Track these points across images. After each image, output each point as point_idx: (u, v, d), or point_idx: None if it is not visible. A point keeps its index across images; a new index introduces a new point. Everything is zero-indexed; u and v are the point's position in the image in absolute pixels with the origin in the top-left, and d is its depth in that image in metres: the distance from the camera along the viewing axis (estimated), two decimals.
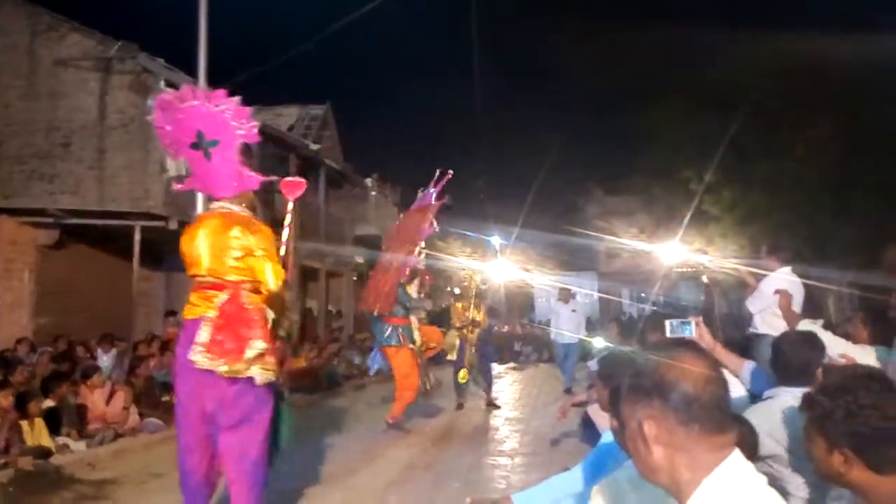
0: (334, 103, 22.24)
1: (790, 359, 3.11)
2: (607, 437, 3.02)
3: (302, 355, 12.64)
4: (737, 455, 1.36)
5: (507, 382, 14.72)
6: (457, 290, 9.62)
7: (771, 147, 15.55)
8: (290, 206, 5.01)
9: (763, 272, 7.30)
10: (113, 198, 13.39)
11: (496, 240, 24.77)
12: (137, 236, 11.89)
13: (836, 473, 1.84)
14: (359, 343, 17.55)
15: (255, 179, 4.31)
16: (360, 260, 21.23)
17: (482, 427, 8.78)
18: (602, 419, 4.76)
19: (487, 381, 10.36)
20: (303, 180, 5.35)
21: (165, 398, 8.42)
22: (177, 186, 4.74)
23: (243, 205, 4.29)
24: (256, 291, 4.01)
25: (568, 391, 11.62)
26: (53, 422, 6.85)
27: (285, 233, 4.75)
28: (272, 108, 19.97)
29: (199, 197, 10.32)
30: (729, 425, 1.37)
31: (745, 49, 15.86)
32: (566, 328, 12.46)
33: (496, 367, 14.56)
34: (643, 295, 28.93)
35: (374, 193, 23.89)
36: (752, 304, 7.14)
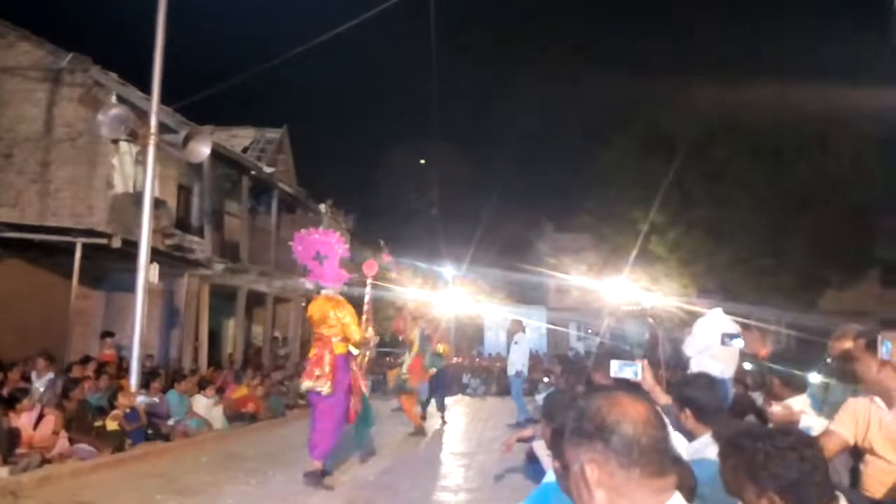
0: (290, 128, 22.13)
1: (702, 401, 3.21)
2: (551, 475, 3.03)
3: (245, 383, 12.32)
4: (676, 498, 1.38)
5: (454, 415, 14.64)
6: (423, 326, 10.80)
7: (713, 193, 16.14)
8: (369, 282, 7.92)
9: (700, 312, 7.51)
10: (54, 212, 12.98)
11: (448, 270, 24.84)
12: (78, 253, 11.50)
13: None
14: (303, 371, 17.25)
15: (345, 277, 7.36)
16: (309, 286, 20.97)
17: (426, 461, 8.69)
18: (547, 456, 4.79)
19: (441, 405, 12.21)
20: (375, 263, 8.35)
21: (99, 423, 8.09)
22: (302, 281, 7.98)
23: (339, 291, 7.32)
24: (345, 340, 7.08)
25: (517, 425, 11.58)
26: None
27: (367, 297, 7.76)
28: (227, 129, 19.75)
29: (145, 216, 10.11)
30: (669, 468, 1.39)
31: (695, 100, 16.53)
32: (519, 360, 12.52)
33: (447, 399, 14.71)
34: (590, 330, 29.34)
35: (327, 219, 23.74)
36: (688, 347, 7.31)
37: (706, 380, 3.43)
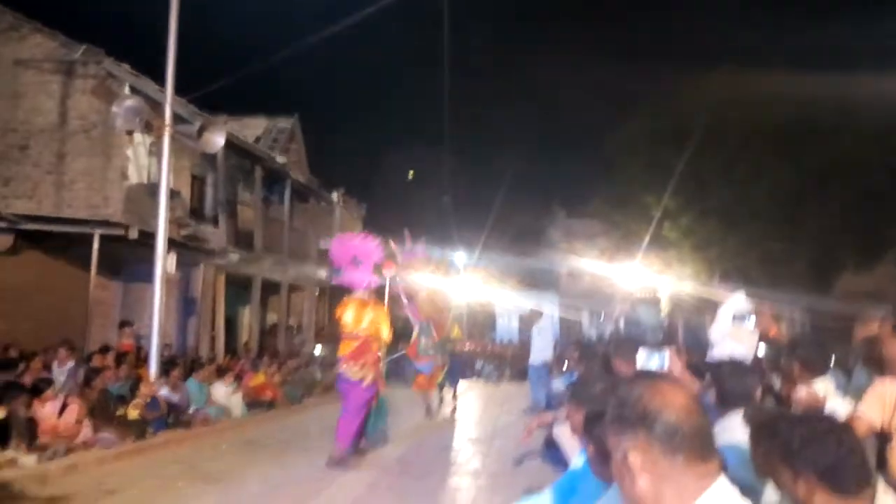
0: (302, 116, 22.13)
1: (731, 386, 3.22)
2: (577, 461, 3.05)
3: (261, 370, 12.43)
4: (722, 481, 1.39)
5: (469, 401, 14.72)
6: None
7: (727, 178, 16.01)
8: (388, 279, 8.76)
9: (715, 296, 7.48)
10: (70, 204, 13.08)
11: (460, 257, 24.86)
12: (96, 244, 11.61)
13: (802, 500, 1.90)
14: (320, 359, 17.36)
15: (376, 281, 8.02)
16: (322, 275, 21.06)
17: (445, 447, 8.75)
18: (569, 441, 4.80)
19: (453, 390, 12.19)
20: (392, 263, 8.98)
21: (120, 412, 8.20)
22: (335, 279, 8.50)
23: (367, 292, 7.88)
24: (377, 339, 7.72)
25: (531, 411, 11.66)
26: (1, 435, 6.62)
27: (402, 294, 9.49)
28: (239, 119, 19.77)
29: (162, 207, 10.18)
30: (712, 453, 1.40)
31: (708, 85, 16.37)
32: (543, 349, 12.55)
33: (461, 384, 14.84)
34: (603, 316, 29.33)
35: (339, 208, 23.79)
36: (713, 332, 7.30)
37: (736, 364, 3.43)
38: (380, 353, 7.78)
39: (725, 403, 3.21)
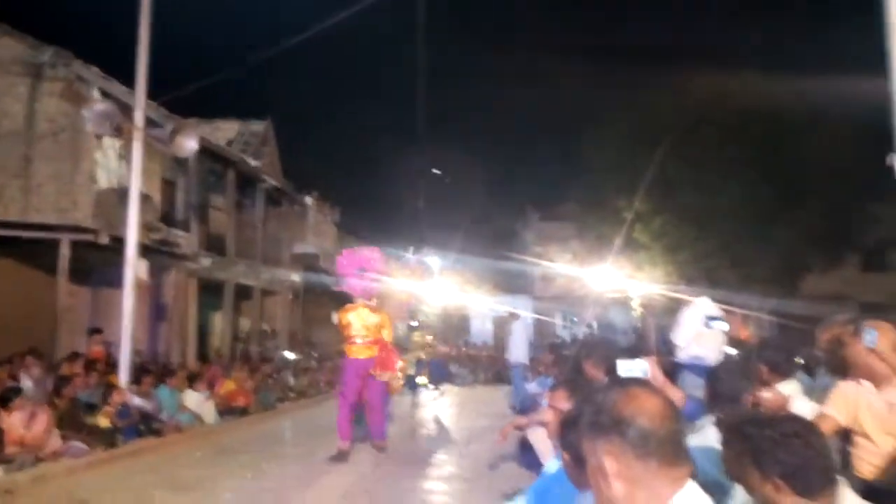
0: (275, 120, 21.99)
1: (724, 386, 3.29)
2: (552, 465, 3.10)
3: (233, 377, 12.29)
4: (692, 486, 1.44)
5: (444, 404, 14.74)
6: (414, 322, 12.44)
7: (697, 181, 16.30)
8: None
9: (686, 299, 7.63)
10: (38, 208, 12.82)
11: (434, 261, 24.89)
12: (64, 250, 11.40)
13: (769, 501, 1.97)
14: (294, 364, 17.25)
15: (375, 290, 8.61)
16: (296, 279, 20.93)
17: (421, 451, 8.77)
18: (544, 445, 4.86)
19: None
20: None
21: (91, 420, 8.07)
22: (339, 287, 9.29)
23: (371, 299, 8.57)
24: (379, 342, 8.37)
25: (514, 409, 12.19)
26: None
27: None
28: (211, 122, 19.58)
29: (132, 212, 10.09)
30: (684, 458, 1.45)
31: (679, 88, 16.63)
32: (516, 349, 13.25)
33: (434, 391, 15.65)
34: (575, 319, 29.57)
35: (313, 212, 23.65)
36: (676, 336, 7.44)
37: (731, 367, 3.50)
38: (396, 352, 8.78)
39: (715, 404, 3.28)
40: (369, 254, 8.77)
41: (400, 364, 8.75)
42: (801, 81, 13.86)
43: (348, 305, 8.60)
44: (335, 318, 13.33)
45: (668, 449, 1.42)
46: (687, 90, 16.35)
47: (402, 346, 11.73)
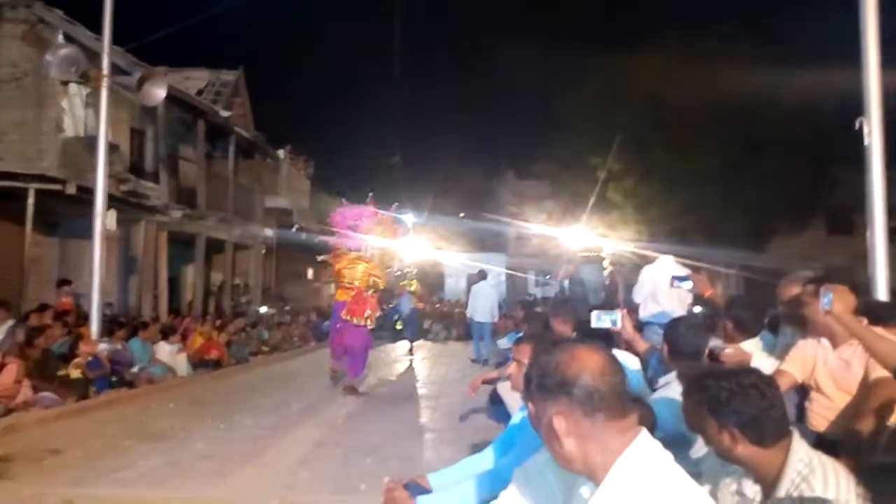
0: (247, 71, 21.47)
1: (685, 342, 3.38)
2: (517, 416, 3.18)
3: (202, 330, 12.22)
4: (643, 435, 1.50)
5: (416, 360, 14.93)
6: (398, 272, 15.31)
7: (668, 141, 16.43)
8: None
9: (655, 257, 7.77)
10: (2, 157, 12.50)
11: (409, 217, 24.82)
12: (31, 199, 11.16)
13: (725, 450, 2.06)
14: (267, 319, 17.25)
15: (366, 242, 9.55)
16: (269, 233, 20.75)
17: (393, 404, 8.90)
18: (512, 397, 4.98)
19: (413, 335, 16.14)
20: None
21: (62, 372, 8.04)
22: (334, 241, 10.00)
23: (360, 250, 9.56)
24: (372, 287, 9.54)
25: (475, 362, 13.11)
26: None
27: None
28: (180, 71, 19.05)
29: (100, 161, 9.92)
30: (630, 408, 1.51)
31: (651, 51, 16.60)
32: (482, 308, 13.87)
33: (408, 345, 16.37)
34: (548, 276, 29.89)
35: (286, 165, 23.34)
36: (636, 294, 7.60)
37: (693, 322, 3.59)
38: (373, 298, 9.63)
39: (675, 360, 3.38)
40: (362, 211, 9.81)
41: (368, 313, 9.42)
42: (772, 47, 13.93)
43: (340, 255, 9.59)
44: (311, 273, 15.17)
45: (614, 402, 1.47)
46: (658, 55, 16.35)
47: (391, 291, 12.95)
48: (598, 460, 1.47)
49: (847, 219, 22.42)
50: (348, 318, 9.30)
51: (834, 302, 2.94)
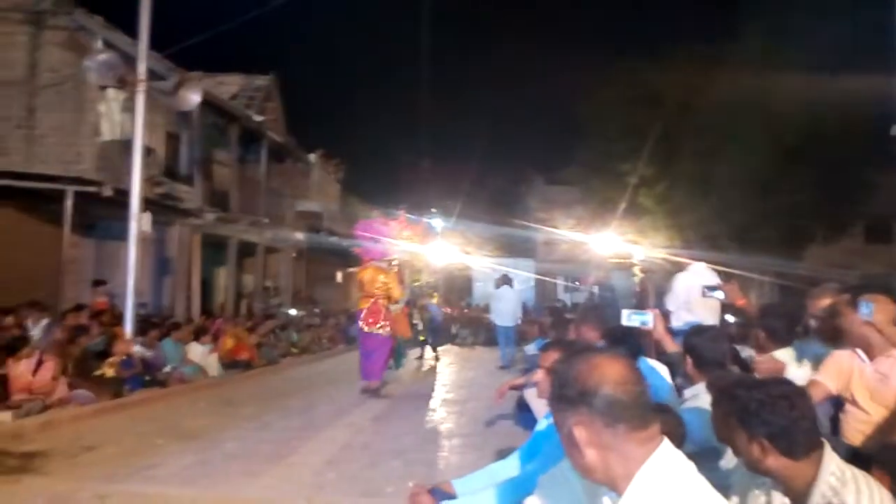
0: (280, 76, 21.75)
1: (708, 352, 3.33)
2: (542, 423, 3.17)
3: (235, 332, 12.38)
4: (665, 445, 1.48)
5: (444, 364, 14.93)
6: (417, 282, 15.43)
7: (701, 146, 16.20)
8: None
9: (688, 263, 7.64)
10: (42, 159, 12.83)
11: (437, 222, 24.88)
12: (69, 201, 11.44)
13: (755, 461, 2.03)
14: (297, 321, 17.40)
15: (390, 254, 10.04)
16: (300, 237, 20.97)
17: (420, 408, 8.91)
18: (538, 404, 4.95)
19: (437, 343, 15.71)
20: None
21: (98, 371, 8.21)
22: (358, 251, 10.58)
23: (382, 262, 9.97)
24: (388, 298, 9.75)
25: (503, 369, 13.05)
26: None
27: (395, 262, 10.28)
28: (214, 76, 19.36)
29: (136, 165, 10.14)
30: (652, 418, 1.48)
31: (682, 54, 16.39)
32: (507, 312, 14.17)
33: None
34: (577, 282, 29.68)
35: (317, 169, 23.57)
36: (669, 302, 7.47)
37: (713, 332, 3.54)
38: (392, 308, 9.85)
39: (701, 370, 3.33)
40: (384, 225, 10.30)
41: (382, 323, 9.65)
42: (804, 54, 13.68)
43: (365, 264, 10.04)
44: (340, 276, 15.60)
45: (635, 412, 1.45)
46: (688, 58, 16.16)
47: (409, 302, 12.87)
48: (619, 471, 1.45)
49: (886, 227, 21.84)
50: (363, 326, 9.63)
51: (875, 312, 2.87)
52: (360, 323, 9.70)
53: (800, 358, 4.01)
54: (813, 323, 3.77)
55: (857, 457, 2.93)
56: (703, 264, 7.50)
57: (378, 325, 9.57)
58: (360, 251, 10.30)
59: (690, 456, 1.52)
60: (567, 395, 1.49)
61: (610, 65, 19.17)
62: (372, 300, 9.64)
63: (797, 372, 3.70)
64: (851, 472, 1.95)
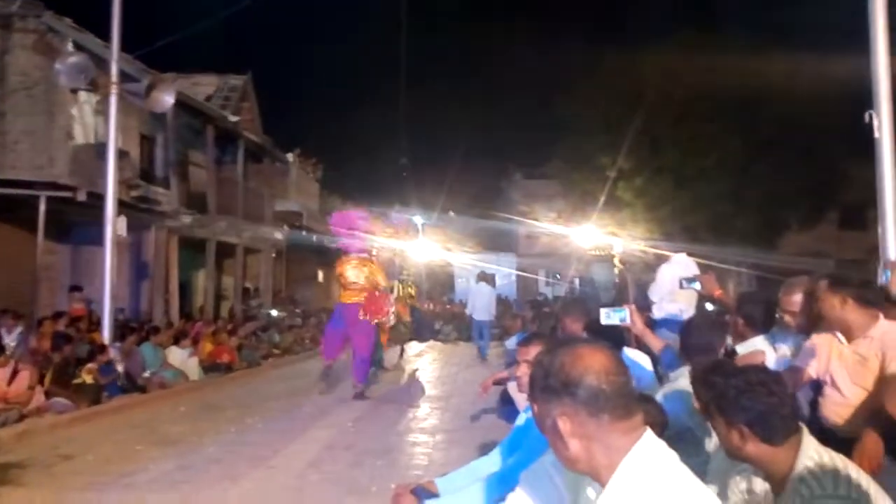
0: (255, 75, 21.56)
1: (698, 337, 3.37)
2: (521, 417, 3.17)
3: (214, 335, 12.25)
4: (648, 435, 1.47)
5: (427, 361, 14.92)
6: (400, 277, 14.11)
7: (678, 139, 16.33)
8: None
9: (666, 255, 7.68)
10: (13, 165, 12.59)
11: (418, 219, 24.84)
12: (42, 207, 11.25)
13: (735, 448, 2.04)
14: (279, 322, 17.29)
15: (368, 246, 9.81)
16: (279, 237, 20.82)
17: (403, 405, 8.88)
18: (521, 398, 4.96)
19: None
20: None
21: (77, 379, 8.09)
22: (336, 244, 10.35)
23: (364, 253, 9.73)
24: (374, 288, 9.57)
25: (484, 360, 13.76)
26: None
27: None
28: (189, 77, 19.15)
29: (110, 168, 10.00)
30: (635, 408, 1.48)
31: (660, 49, 16.50)
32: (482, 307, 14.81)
33: (419, 345, 16.88)
34: (558, 276, 29.82)
35: (295, 169, 23.41)
36: (653, 292, 7.52)
37: (707, 318, 3.59)
38: (386, 297, 9.85)
39: (688, 356, 3.36)
40: (357, 215, 10.03)
41: (392, 309, 9.82)
42: (778, 43, 13.81)
43: (343, 258, 9.75)
44: (321, 275, 15.72)
45: (619, 402, 1.45)
46: (665, 51, 16.26)
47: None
48: (603, 461, 1.44)
49: (860, 214, 22.18)
50: (365, 317, 9.36)
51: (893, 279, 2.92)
52: (361, 314, 9.36)
53: (778, 344, 4.05)
54: (787, 318, 3.77)
55: (835, 439, 2.96)
56: (683, 255, 7.55)
57: (385, 313, 9.62)
58: (341, 245, 10.05)
59: (669, 441, 1.51)
60: (551, 386, 1.48)
61: (589, 58, 19.24)
62: (366, 292, 9.45)
63: (777, 358, 3.73)
64: (829, 455, 1.96)
